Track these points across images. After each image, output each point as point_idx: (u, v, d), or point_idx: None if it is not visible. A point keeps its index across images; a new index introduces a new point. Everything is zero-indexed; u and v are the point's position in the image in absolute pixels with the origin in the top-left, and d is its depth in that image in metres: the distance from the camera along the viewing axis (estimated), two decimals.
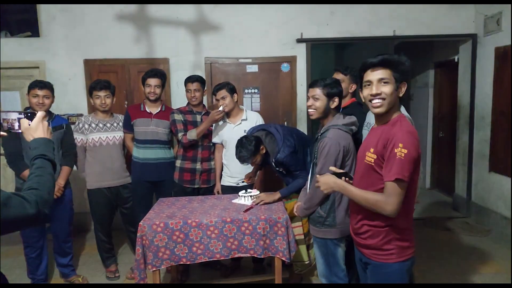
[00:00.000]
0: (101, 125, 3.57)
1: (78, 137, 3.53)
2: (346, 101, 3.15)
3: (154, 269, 2.66)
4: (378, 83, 1.83)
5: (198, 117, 3.62)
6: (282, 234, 2.69)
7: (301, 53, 4.97)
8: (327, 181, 1.98)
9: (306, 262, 3.07)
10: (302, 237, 3.03)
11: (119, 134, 3.64)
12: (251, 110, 4.50)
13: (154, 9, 4.80)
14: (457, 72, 5.42)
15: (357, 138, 2.57)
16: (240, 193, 3.12)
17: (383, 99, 1.82)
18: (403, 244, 1.87)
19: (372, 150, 1.85)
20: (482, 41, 4.90)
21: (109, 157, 3.58)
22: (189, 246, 2.65)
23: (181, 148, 3.63)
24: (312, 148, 2.84)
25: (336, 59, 7.54)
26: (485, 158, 4.85)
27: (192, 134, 3.45)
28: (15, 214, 1.30)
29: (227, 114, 3.50)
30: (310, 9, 4.92)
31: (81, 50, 4.82)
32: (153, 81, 3.59)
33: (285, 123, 5.03)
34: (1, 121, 1.62)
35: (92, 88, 3.52)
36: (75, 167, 3.61)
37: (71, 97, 4.85)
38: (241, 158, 2.98)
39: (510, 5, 4.28)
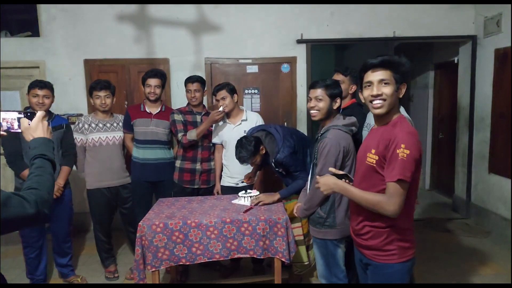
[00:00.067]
0: (101, 125, 3.56)
1: (78, 137, 3.53)
2: (346, 102, 3.15)
3: (153, 269, 2.65)
4: (378, 84, 1.83)
5: (198, 118, 3.62)
6: (282, 235, 2.69)
7: (301, 53, 4.98)
8: (327, 182, 1.98)
9: (306, 263, 3.07)
10: (302, 238, 3.03)
11: (119, 134, 3.63)
12: (251, 110, 4.51)
13: (154, 9, 4.80)
14: (457, 74, 5.42)
15: (357, 139, 2.57)
16: (240, 193, 3.12)
17: (384, 100, 1.82)
18: (404, 244, 1.87)
19: (373, 151, 1.85)
20: (482, 43, 4.90)
21: (109, 157, 3.58)
22: (188, 247, 2.65)
23: (181, 149, 3.62)
24: (312, 149, 2.84)
25: (336, 60, 7.54)
26: (484, 159, 4.85)
27: (192, 135, 3.45)
28: (15, 214, 1.30)
29: (227, 115, 3.50)
30: (310, 10, 4.92)
31: (81, 50, 4.82)
32: (153, 81, 3.59)
33: (285, 123, 5.03)
34: (1, 120, 1.61)
35: (92, 88, 3.52)
36: (74, 167, 3.60)
37: (71, 97, 4.85)
38: (241, 159, 2.98)
39: (510, 6, 4.28)
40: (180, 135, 3.50)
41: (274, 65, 5.01)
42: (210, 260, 2.70)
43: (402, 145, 1.71)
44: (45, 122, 1.65)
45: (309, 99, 2.53)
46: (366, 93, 1.88)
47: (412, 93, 6.93)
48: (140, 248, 2.64)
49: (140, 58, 4.85)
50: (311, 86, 2.53)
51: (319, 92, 2.47)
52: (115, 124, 3.64)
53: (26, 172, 2.98)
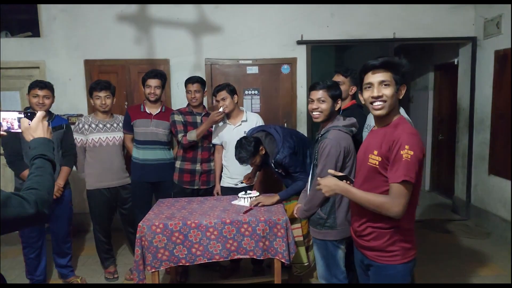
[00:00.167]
0: (101, 125, 3.57)
1: (78, 138, 3.53)
2: (346, 103, 3.15)
3: (153, 270, 2.65)
4: (379, 86, 1.83)
5: (198, 118, 3.62)
6: (282, 236, 2.68)
7: (301, 54, 4.98)
8: (329, 183, 1.97)
9: (306, 264, 3.06)
10: (301, 238, 3.02)
11: (119, 135, 3.64)
12: (251, 111, 4.51)
13: (155, 10, 4.81)
14: (457, 75, 5.42)
15: (357, 140, 2.57)
16: (240, 194, 3.12)
17: (384, 101, 1.83)
18: (407, 245, 1.88)
19: (375, 152, 1.84)
20: (482, 44, 4.91)
21: (109, 158, 3.58)
22: (188, 247, 2.65)
23: (181, 149, 3.62)
24: (312, 150, 2.84)
25: (336, 61, 7.54)
26: (484, 160, 4.85)
27: (192, 135, 3.45)
28: (15, 214, 1.30)
29: (227, 115, 3.50)
30: (310, 11, 4.92)
31: (82, 50, 4.82)
32: (153, 82, 3.59)
33: (285, 124, 5.03)
34: (1, 120, 1.61)
35: (92, 89, 3.52)
36: (74, 168, 3.60)
37: (71, 97, 4.85)
38: (241, 159, 2.98)
39: (510, 8, 4.28)
40: (180, 135, 3.50)
41: (274, 66, 5.01)
42: (210, 261, 2.70)
43: (406, 146, 1.71)
44: (45, 122, 1.65)
45: (310, 101, 2.52)
46: (367, 94, 1.88)
47: (412, 94, 6.93)
48: (140, 249, 2.63)
49: (140, 59, 4.85)
50: (312, 87, 2.52)
51: (321, 93, 2.46)
52: (115, 125, 3.64)
53: (26, 173, 2.98)
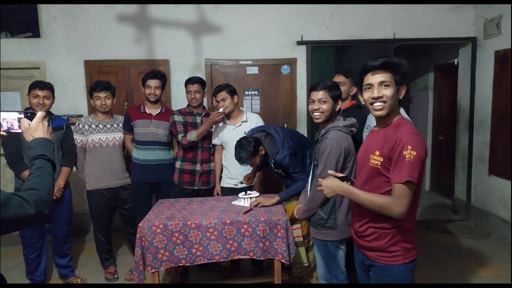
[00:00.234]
0: (101, 126, 3.57)
1: (78, 138, 3.53)
2: (346, 104, 3.16)
3: (153, 270, 2.65)
4: (379, 86, 1.83)
5: (198, 119, 3.62)
6: (282, 236, 2.68)
7: (301, 55, 4.98)
8: (331, 185, 1.96)
9: (305, 264, 3.07)
10: (301, 239, 3.02)
11: (119, 135, 3.64)
12: (251, 112, 4.51)
13: (155, 10, 4.81)
14: (457, 75, 5.42)
15: (357, 140, 2.57)
16: (240, 194, 3.12)
17: (384, 102, 1.83)
18: (408, 245, 1.88)
19: (377, 153, 1.84)
20: (482, 45, 4.91)
21: (109, 158, 3.58)
22: (188, 248, 2.65)
23: (181, 150, 3.62)
24: (312, 150, 2.84)
25: (336, 61, 7.54)
26: (484, 161, 4.85)
27: (192, 136, 3.45)
28: (15, 214, 1.30)
29: (227, 116, 3.50)
30: (310, 11, 4.93)
31: (82, 51, 4.82)
32: (153, 83, 3.59)
33: (285, 125, 5.03)
34: (1, 120, 1.61)
35: (92, 89, 3.53)
36: (74, 168, 3.60)
37: (71, 98, 4.85)
38: (240, 159, 2.98)
39: (510, 8, 4.28)
40: (180, 136, 3.50)
41: (274, 67, 5.01)
42: (210, 261, 2.70)
43: (409, 147, 1.71)
44: (45, 123, 1.65)
45: (311, 101, 2.51)
46: (367, 95, 1.88)
47: (412, 94, 6.93)
48: (140, 249, 2.63)
49: (140, 59, 4.86)
50: (313, 88, 2.52)
51: (322, 94, 2.46)
52: (115, 125, 3.64)
53: (26, 173, 2.99)
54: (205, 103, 4.04)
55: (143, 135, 3.62)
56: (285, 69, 5.02)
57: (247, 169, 3.42)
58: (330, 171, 2.10)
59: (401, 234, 1.86)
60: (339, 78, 3.17)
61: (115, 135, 3.61)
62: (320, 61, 5.98)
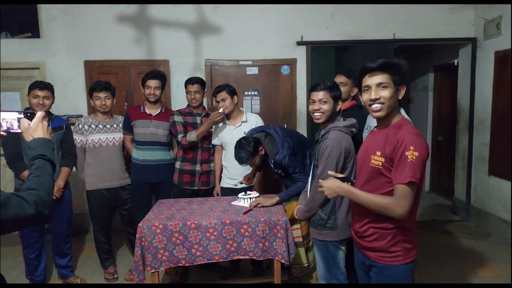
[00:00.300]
0: (101, 126, 3.57)
1: (77, 138, 3.53)
2: (346, 104, 3.16)
3: (153, 270, 2.65)
4: (376, 88, 1.83)
5: (198, 119, 3.62)
6: (282, 237, 2.68)
7: (301, 55, 4.98)
8: (332, 186, 1.96)
9: (305, 265, 3.06)
10: (301, 239, 3.02)
11: (118, 136, 3.64)
12: (251, 112, 4.51)
13: (155, 11, 4.81)
14: (457, 76, 5.42)
15: (357, 140, 2.57)
16: (240, 195, 3.12)
17: (382, 103, 1.83)
18: (408, 245, 1.88)
19: (378, 153, 1.84)
20: (482, 45, 4.91)
21: (109, 158, 3.58)
22: (188, 248, 2.65)
23: (181, 150, 3.62)
24: (312, 151, 2.83)
25: (336, 62, 7.54)
26: (484, 161, 4.85)
27: (192, 136, 3.45)
28: (14, 214, 1.29)
29: (227, 116, 3.50)
30: (310, 12, 4.93)
31: (82, 51, 4.82)
32: (153, 83, 3.59)
33: (285, 125, 5.03)
34: (1, 120, 1.61)
35: (92, 89, 3.53)
36: (74, 168, 3.60)
37: (71, 98, 4.86)
38: (240, 159, 2.98)
39: (510, 9, 4.28)
40: (180, 136, 3.50)
41: (274, 67, 5.01)
42: (210, 261, 2.70)
43: (411, 147, 1.71)
44: (45, 123, 1.64)
45: (311, 102, 2.51)
46: (365, 97, 1.89)
47: (412, 95, 6.93)
48: (140, 249, 2.63)
49: (140, 60, 4.86)
50: (313, 88, 2.52)
51: (323, 94, 2.46)
52: (115, 125, 3.65)
53: (26, 173, 2.98)
54: (205, 104, 4.04)
55: (143, 135, 3.62)
56: (285, 70, 5.02)
57: (247, 170, 3.42)
58: (330, 172, 2.10)
59: (402, 234, 1.86)
60: (340, 79, 3.17)
61: (115, 135, 3.61)
62: (320, 62, 5.97)
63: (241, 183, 3.45)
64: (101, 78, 4.54)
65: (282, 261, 2.69)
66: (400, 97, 1.86)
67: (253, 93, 5.02)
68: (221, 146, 3.57)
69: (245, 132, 3.34)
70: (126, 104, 4.85)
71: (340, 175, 2.06)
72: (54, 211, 3.33)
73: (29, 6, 4.75)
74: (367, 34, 4.99)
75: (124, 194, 3.68)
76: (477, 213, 5.02)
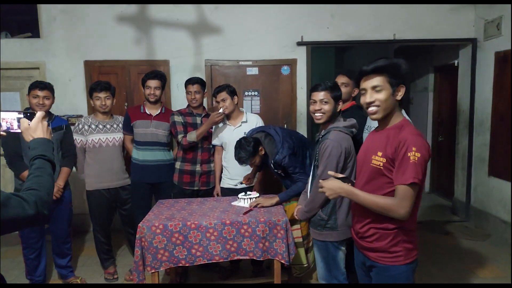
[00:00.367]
0: (100, 126, 3.57)
1: (77, 138, 3.53)
2: (346, 105, 3.15)
3: (152, 270, 2.65)
4: (371, 91, 1.85)
5: (198, 119, 3.62)
6: (282, 237, 2.68)
7: (301, 56, 4.98)
8: (333, 186, 1.96)
9: (305, 265, 3.06)
10: (301, 240, 3.02)
11: (118, 136, 3.64)
12: (251, 112, 4.51)
13: (155, 11, 4.81)
14: (457, 76, 5.42)
15: (357, 141, 2.57)
16: (240, 195, 3.12)
17: (378, 106, 1.84)
18: (409, 246, 1.88)
19: (380, 153, 1.84)
20: (482, 46, 4.91)
21: (109, 159, 3.58)
22: (188, 248, 2.65)
23: (181, 150, 3.62)
24: (312, 151, 2.83)
25: (336, 62, 7.54)
26: (484, 162, 4.85)
27: (192, 136, 3.45)
28: (14, 215, 1.29)
29: (227, 116, 3.50)
30: (310, 12, 4.93)
31: (82, 51, 4.82)
32: (153, 83, 3.59)
33: (285, 125, 5.03)
34: (1, 120, 1.61)
35: (92, 90, 3.52)
36: (74, 169, 3.60)
37: (71, 98, 4.85)
38: (240, 159, 2.98)
39: (510, 10, 4.28)
40: (180, 136, 3.50)
41: (274, 67, 5.01)
42: (210, 261, 2.70)
43: (414, 148, 1.71)
44: (45, 123, 1.64)
45: (312, 102, 2.51)
46: (362, 100, 1.91)
47: (412, 95, 6.93)
48: (140, 250, 2.63)
49: (140, 60, 4.85)
50: (314, 88, 2.52)
51: (324, 94, 2.46)
52: (115, 126, 3.64)
53: (26, 173, 2.98)
54: (205, 104, 4.04)
55: (143, 135, 3.62)
56: (285, 70, 5.02)
57: (247, 170, 3.42)
58: (330, 172, 2.10)
59: (402, 235, 1.86)
60: (342, 79, 3.17)
61: (115, 136, 3.61)
62: (320, 62, 5.97)
63: (241, 183, 3.45)
64: (101, 78, 4.54)
65: (282, 261, 2.69)
66: (398, 98, 1.85)
67: (253, 93, 5.02)
68: (221, 146, 3.57)
69: (245, 133, 3.33)
70: (126, 104, 4.85)
71: (341, 175, 2.06)
72: (54, 211, 3.32)
73: (29, 6, 4.75)
74: (367, 35, 4.99)
75: (124, 194, 3.68)
76: (477, 213, 5.02)
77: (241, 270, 3.74)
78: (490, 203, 4.75)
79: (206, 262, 2.69)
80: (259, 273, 3.62)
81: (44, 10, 4.76)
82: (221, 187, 3.61)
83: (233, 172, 3.49)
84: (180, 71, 4.88)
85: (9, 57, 4.71)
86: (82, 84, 4.86)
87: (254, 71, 5.00)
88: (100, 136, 3.55)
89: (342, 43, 5.13)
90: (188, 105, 3.66)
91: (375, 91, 1.83)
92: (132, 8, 4.79)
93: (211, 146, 3.65)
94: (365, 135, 2.85)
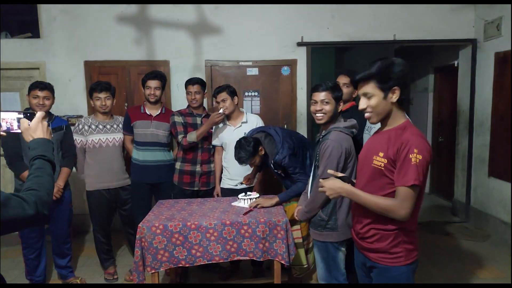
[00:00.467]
0: (101, 126, 3.57)
1: (77, 139, 3.53)
2: (346, 105, 3.16)
3: (152, 271, 2.65)
4: (363, 98, 1.88)
5: (198, 120, 3.62)
6: (282, 237, 2.68)
7: (301, 56, 4.98)
8: (333, 186, 1.95)
9: (305, 266, 3.06)
10: (301, 240, 3.02)
11: (118, 136, 3.64)
12: (251, 113, 4.51)
13: (155, 11, 4.81)
14: (457, 77, 5.42)
15: (357, 141, 2.57)
16: (240, 195, 3.12)
17: (370, 112, 1.86)
18: (410, 246, 1.88)
19: (381, 154, 1.84)
20: (482, 46, 4.91)
21: (109, 159, 3.58)
22: (188, 249, 2.64)
23: (181, 151, 3.62)
24: (312, 151, 2.83)
25: (336, 63, 7.54)
26: (484, 163, 4.85)
27: (192, 137, 3.45)
28: (14, 215, 1.29)
29: (227, 117, 3.50)
30: (311, 13, 4.93)
31: (82, 51, 4.82)
32: (153, 83, 3.59)
33: (285, 126, 5.03)
34: (1, 121, 1.61)
35: (92, 90, 3.52)
36: (74, 169, 3.60)
37: (71, 98, 4.85)
38: (240, 159, 2.98)
39: (510, 10, 4.29)
40: (180, 137, 3.50)
41: (274, 68, 5.01)
42: (210, 262, 2.70)
43: (415, 150, 1.71)
44: (45, 123, 1.64)
45: (313, 102, 2.51)
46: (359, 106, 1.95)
47: (412, 96, 6.93)
48: (140, 250, 2.63)
49: (140, 60, 4.85)
50: (315, 89, 2.51)
51: (325, 95, 2.46)
52: (115, 126, 3.64)
53: (26, 174, 2.97)
54: (205, 104, 4.04)
55: (143, 136, 3.62)
56: (285, 70, 5.02)
57: (247, 170, 3.42)
58: (329, 171, 2.09)
59: (403, 236, 1.86)
60: (344, 80, 3.17)
61: (115, 136, 3.61)
62: (320, 62, 5.98)
63: (241, 183, 3.45)
64: (101, 78, 4.53)
65: (282, 262, 2.68)
66: (394, 100, 1.81)
67: (253, 93, 5.02)
68: (221, 146, 3.56)
69: (245, 133, 3.33)
70: (126, 104, 4.85)
71: (341, 174, 2.06)
72: (54, 211, 3.32)
73: (29, 6, 4.75)
74: (367, 35, 4.99)
75: (124, 194, 3.68)
76: (477, 214, 5.02)
77: (241, 271, 3.74)
78: (490, 204, 4.75)
79: (206, 262, 2.68)
80: (259, 273, 3.62)
81: (44, 10, 4.76)
82: (221, 187, 3.61)
83: (233, 173, 3.49)
84: (180, 71, 4.88)
85: (9, 57, 4.70)
86: (82, 84, 4.86)
87: (254, 71, 5.00)
88: (100, 137, 3.55)
89: (342, 43, 5.13)
90: (188, 106, 3.66)
91: (367, 98, 1.86)
92: (132, 8, 4.79)
93: (211, 147, 3.65)
94: (365, 135, 2.85)
